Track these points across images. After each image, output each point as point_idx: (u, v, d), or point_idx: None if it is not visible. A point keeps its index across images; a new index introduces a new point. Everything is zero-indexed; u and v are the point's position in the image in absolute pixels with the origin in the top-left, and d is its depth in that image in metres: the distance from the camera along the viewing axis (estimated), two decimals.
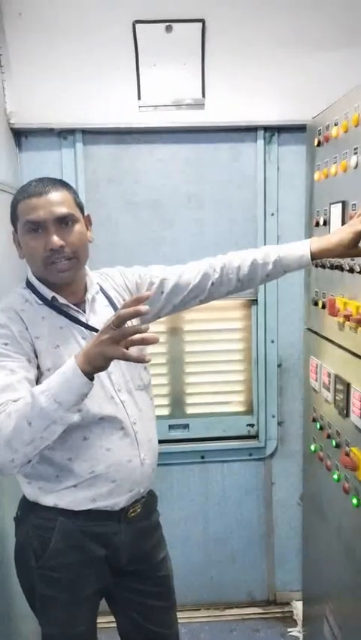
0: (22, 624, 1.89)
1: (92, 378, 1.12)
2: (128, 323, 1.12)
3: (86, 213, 1.40)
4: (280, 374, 2.37)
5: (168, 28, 2.08)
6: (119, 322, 1.05)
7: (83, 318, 1.37)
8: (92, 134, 2.17)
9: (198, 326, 2.35)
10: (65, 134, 2.15)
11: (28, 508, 1.39)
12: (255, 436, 2.41)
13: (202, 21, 2.08)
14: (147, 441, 1.42)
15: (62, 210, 1.29)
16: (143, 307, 1.05)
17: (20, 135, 2.16)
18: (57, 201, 1.29)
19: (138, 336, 1.08)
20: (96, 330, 1.35)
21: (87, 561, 1.38)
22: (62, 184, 1.35)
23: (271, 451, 2.40)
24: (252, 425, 2.41)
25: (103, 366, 1.12)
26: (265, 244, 2.24)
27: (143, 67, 2.10)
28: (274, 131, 2.20)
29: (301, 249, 1.45)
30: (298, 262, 1.46)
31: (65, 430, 1.30)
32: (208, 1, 2.08)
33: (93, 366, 1.11)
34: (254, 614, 2.46)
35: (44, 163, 2.16)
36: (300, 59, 2.13)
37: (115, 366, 1.38)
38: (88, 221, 1.41)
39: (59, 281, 1.33)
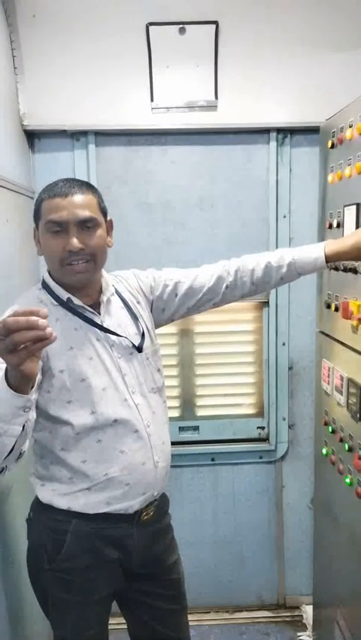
0: (34, 625, 1.89)
1: (24, 391, 1.01)
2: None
3: (108, 218, 1.40)
4: (291, 377, 2.36)
5: (182, 30, 2.08)
6: (6, 332, 0.91)
7: (98, 320, 1.37)
8: (105, 136, 2.18)
9: (209, 328, 2.35)
10: (77, 136, 2.16)
11: (41, 510, 1.39)
12: (265, 439, 2.40)
13: (215, 23, 2.08)
14: (160, 444, 1.42)
15: (85, 213, 1.29)
16: (41, 320, 0.92)
17: (33, 137, 2.17)
18: (81, 204, 1.29)
19: (31, 334, 0.92)
20: (110, 332, 1.36)
21: (100, 564, 1.38)
22: (88, 187, 1.35)
23: (282, 454, 2.39)
24: (262, 428, 2.40)
25: (20, 377, 0.99)
26: (277, 246, 2.24)
27: (156, 69, 2.11)
28: (286, 133, 2.20)
29: (315, 251, 1.44)
30: (312, 265, 1.45)
31: (78, 432, 1.31)
32: (221, 3, 2.08)
33: (13, 378, 1.00)
34: (264, 617, 2.45)
35: (57, 164, 2.17)
36: (313, 61, 2.12)
37: (129, 368, 1.38)
38: (110, 226, 1.40)
39: (74, 282, 1.33)
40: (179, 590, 1.56)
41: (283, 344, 2.33)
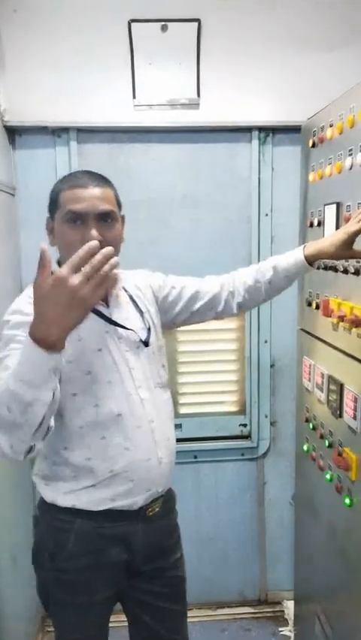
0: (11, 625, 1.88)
1: (59, 347, 1.00)
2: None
3: (122, 213, 1.41)
4: (273, 374, 2.37)
5: (164, 28, 2.08)
6: (94, 269, 0.95)
7: (106, 313, 1.37)
8: (87, 133, 2.16)
9: (192, 326, 2.34)
10: (59, 133, 2.14)
11: (45, 510, 1.39)
12: (247, 436, 2.41)
13: (198, 21, 2.08)
14: (164, 439, 1.41)
15: (105, 207, 1.29)
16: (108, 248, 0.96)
17: (14, 133, 2.14)
18: (101, 197, 1.30)
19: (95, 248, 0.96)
20: (118, 325, 1.36)
21: (102, 565, 1.37)
22: (106, 181, 1.36)
23: (264, 451, 2.41)
24: (245, 425, 2.41)
25: (75, 324, 1.00)
26: (259, 244, 2.26)
27: (138, 66, 2.10)
28: (268, 132, 2.21)
29: (296, 252, 1.49)
30: (295, 266, 1.49)
31: (82, 426, 1.30)
32: (204, 1, 2.08)
33: (70, 325, 0.99)
34: (246, 613, 2.47)
35: (38, 161, 2.15)
36: (295, 60, 2.13)
37: (136, 362, 1.38)
38: (123, 221, 1.42)
39: None
40: (180, 587, 1.55)
41: (265, 342, 2.34)
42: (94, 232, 1.26)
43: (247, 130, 2.20)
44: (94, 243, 0.96)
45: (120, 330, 1.37)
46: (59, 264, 1.36)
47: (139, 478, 1.35)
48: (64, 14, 2.06)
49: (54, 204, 1.33)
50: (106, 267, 0.96)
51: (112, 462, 1.33)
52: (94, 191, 1.29)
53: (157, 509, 1.43)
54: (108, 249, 0.96)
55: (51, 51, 2.07)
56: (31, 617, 2.21)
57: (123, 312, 1.40)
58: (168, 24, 2.08)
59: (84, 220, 1.28)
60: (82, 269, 0.95)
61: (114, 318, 1.37)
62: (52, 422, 1.09)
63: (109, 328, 1.36)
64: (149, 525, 1.41)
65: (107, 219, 1.30)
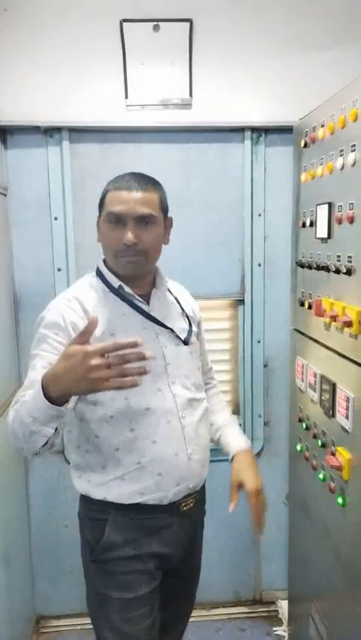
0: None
1: (65, 401, 1.09)
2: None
3: (168, 216, 1.44)
4: (266, 374, 2.37)
5: (156, 28, 2.08)
6: (119, 361, 1.01)
7: (146, 309, 1.40)
8: (79, 133, 2.15)
9: None
10: (51, 132, 2.13)
11: (83, 502, 1.43)
12: None
13: (190, 21, 2.07)
14: (195, 436, 1.43)
15: (144, 210, 1.34)
16: (148, 353, 1.04)
17: (6, 133, 2.13)
18: (142, 200, 1.34)
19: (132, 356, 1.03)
20: (157, 321, 1.40)
21: (141, 558, 1.38)
22: (152, 184, 1.40)
23: (257, 451, 2.40)
24: (238, 425, 2.40)
25: (78, 394, 1.12)
26: (252, 244, 2.26)
27: (130, 66, 2.10)
28: (261, 132, 2.21)
29: (234, 448, 1.60)
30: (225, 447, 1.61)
31: (112, 415, 1.34)
32: (196, 1, 2.08)
33: (71, 393, 1.08)
34: (240, 613, 2.47)
35: (30, 161, 2.15)
36: (288, 60, 2.14)
37: (173, 357, 1.42)
38: (169, 224, 1.45)
39: (123, 272, 1.38)
40: (195, 588, 1.63)
41: (259, 342, 2.34)
42: (129, 235, 1.32)
43: (240, 130, 2.20)
44: (137, 341, 1.01)
45: (159, 326, 1.41)
46: (104, 261, 1.44)
47: (167, 472, 1.37)
48: (55, 14, 2.05)
49: (101, 203, 1.40)
50: (132, 369, 1.00)
51: (139, 454, 1.35)
52: (136, 194, 1.34)
53: (191, 504, 1.46)
54: (145, 355, 1.01)
55: (43, 50, 2.07)
56: (25, 618, 2.21)
57: (164, 311, 1.44)
58: (160, 24, 2.07)
59: (123, 222, 1.33)
60: (108, 355, 1.00)
61: (154, 314, 1.41)
62: (57, 440, 1.16)
63: (147, 325, 1.39)
64: (184, 519, 1.44)
65: (146, 222, 1.34)
